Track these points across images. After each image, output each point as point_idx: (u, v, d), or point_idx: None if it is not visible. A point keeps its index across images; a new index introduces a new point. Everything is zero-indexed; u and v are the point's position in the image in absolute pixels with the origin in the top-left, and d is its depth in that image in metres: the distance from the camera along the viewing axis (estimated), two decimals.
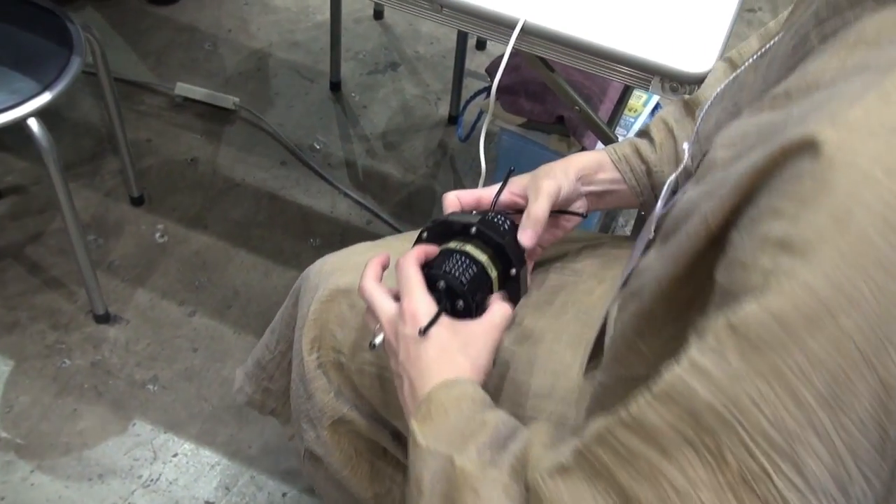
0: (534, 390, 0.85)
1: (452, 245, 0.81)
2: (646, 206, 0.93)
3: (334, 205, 1.89)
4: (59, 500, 1.43)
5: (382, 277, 0.82)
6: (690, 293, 0.54)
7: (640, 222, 1.47)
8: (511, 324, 0.87)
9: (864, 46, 0.49)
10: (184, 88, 2.02)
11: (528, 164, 1.68)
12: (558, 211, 0.89)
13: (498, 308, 0.78)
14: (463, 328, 0.76)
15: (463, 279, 0.78)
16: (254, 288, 1.73)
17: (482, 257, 0.80)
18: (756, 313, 0.43)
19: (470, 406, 0.69)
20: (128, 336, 1.64)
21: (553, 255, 0.98)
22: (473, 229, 0.81)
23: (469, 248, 0.80)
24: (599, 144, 1.51)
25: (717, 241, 0.50)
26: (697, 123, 0.77)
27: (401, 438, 1.02)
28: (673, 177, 0.80)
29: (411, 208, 1.90)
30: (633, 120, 1.65)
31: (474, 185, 1.95)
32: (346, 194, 1.90)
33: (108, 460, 1.48)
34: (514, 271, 0.82)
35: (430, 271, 0.78)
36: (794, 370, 0.43)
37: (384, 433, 1.00)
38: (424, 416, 0.69)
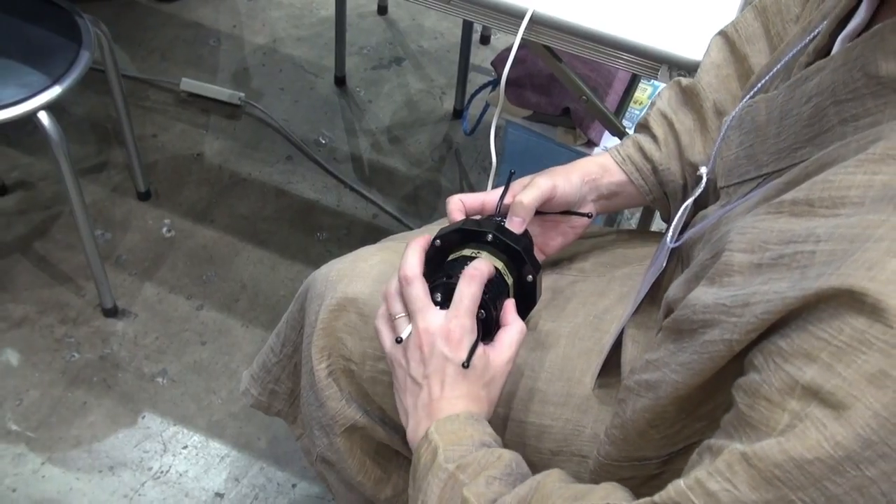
0: (549, 398, 0.85)
1: (467, 252, 0.81)
2: (656, 203, 0.93)
3: (340, 199, 1.90)
4: (70, 492, 1.44)
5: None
6: (704, 397, 0.56)
7: (646, 215, 1.47)
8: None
9: (892, 162, 0.48)
10: (189, 84, 2.03)
11: (535, 156, 1.68)
12: (565, 212, 0.89)
13: (513, 335, 0.77)
14: (490, 364, 0.76)
15: (486, 289, 0.78)
16: (261, 281, 1.74)
17: (498, 264, 0.80)
18: (775, 452, 0.44)
19: (485, 439, 0.70)
20: (136, 330, 1.65)
21: (561, 254, 0.97)
22: (489, 236, 0.81)
23: (485, 255, 0.80)
24: (607, 135, 1.51)
25: (737, 356, 0.51)
26: (717, 143, 0.76)
27: None
28: (685, 206, 0.79)
29: (417, 202, 1.91)
30: (638, 112, 1.65)
31: (480, 178, 1.96)
32: (351, 188, 1.91)
33: (118, 453, 1.49)
34: (530, 277, 0.82)
35: (448, 280, 0.77)
36: (806, 502, 0.44)
37: (397, 437, 1.00)
38: (446, 427, 0.70)
